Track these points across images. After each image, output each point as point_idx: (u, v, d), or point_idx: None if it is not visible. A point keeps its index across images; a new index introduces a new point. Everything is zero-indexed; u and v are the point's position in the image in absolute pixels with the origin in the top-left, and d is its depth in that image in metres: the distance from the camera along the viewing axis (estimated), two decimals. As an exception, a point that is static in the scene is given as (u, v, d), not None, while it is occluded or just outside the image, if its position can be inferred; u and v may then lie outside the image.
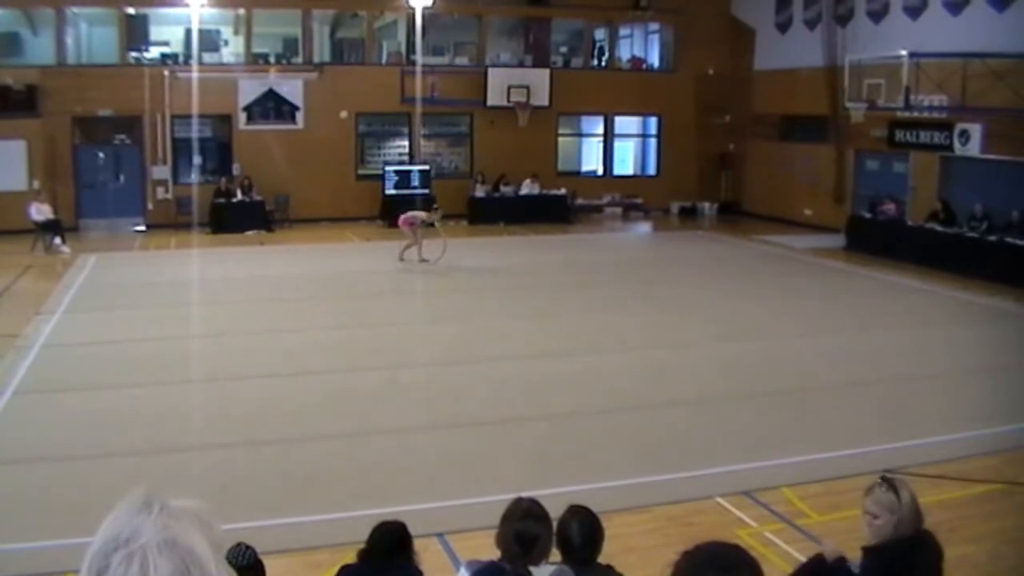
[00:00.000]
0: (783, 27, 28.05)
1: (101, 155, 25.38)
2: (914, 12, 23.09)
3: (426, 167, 26.85)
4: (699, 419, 10.73)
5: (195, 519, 1.54)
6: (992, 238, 19.45)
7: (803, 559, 7.03)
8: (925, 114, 21.85)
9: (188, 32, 25.59)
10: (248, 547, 4.64)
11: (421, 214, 20.60)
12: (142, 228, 25.04)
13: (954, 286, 18.55)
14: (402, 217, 20.38)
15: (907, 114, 22.02)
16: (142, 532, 1.47)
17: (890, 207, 22.97)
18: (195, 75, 24.73)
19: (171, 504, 1.54)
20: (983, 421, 10.55)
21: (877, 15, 24.32)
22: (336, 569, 5.09)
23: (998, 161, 20.67)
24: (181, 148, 25.72)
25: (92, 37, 26.72)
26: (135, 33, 25.79)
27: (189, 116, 24.89)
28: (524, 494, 4.32)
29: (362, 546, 4.89)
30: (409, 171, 26.62)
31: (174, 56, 25.91)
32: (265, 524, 7.42)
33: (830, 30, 25.45)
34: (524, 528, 3.90)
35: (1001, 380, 12.43)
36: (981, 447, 9.78)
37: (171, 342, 13.70)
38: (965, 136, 21.29)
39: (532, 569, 3.87)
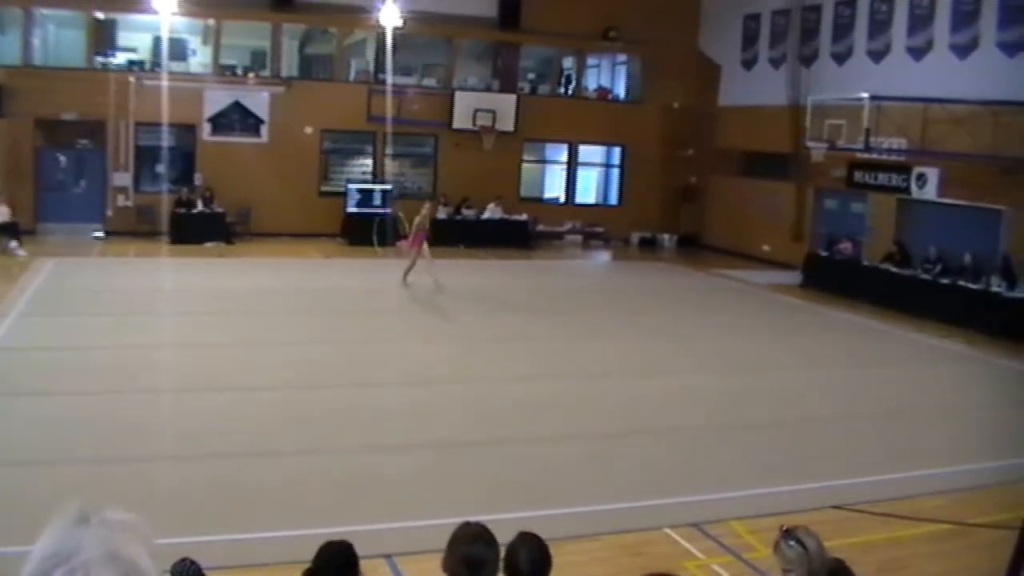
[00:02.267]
0: (748, 64, 28.39)
1: (63, 159, 25.16)
2: (877, 56, 23.45)
3: (388, 187, 26.81)
4: (652, 450, 10.76)
5: (134, 532, 1.52)
6: (945, 281, 19.73)
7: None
8: (884, 156, 22.16)
9: (157, 40, 25.42)
10: (192, 562, 4.59)
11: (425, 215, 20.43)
12: (101, 234, 24.80)
13: (907, 326, 18.77)
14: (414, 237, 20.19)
15: (867, 155, 22.33)
16: (83, 546, 1.45)
17: (847, 246, 23.24)
18: (162, 83, 24.57)
19: (109, 517, 1.52)
20: (933, 461, 10.68)
21: (841, 57, 24.67)
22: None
23: (953, 205, 20.98)
24: (144, 156, 25.56)
25: (60, 39, 26.50)
26: (103, 38, 25.65)
27: (154, 124, 24.73)
28: (475, 519, 4.31)
29: (308, 566, 4.85)
30: (372, 190, 26.55)
31: (141, 63, 25.73)
32: (213, 539, 7.35)
33: (794, 70, 25.78)
34: (472, 552, 3.88)
35: (951, 421, 12.59)
36: (931, 486, 9.89)
37: (126, 351, 13.57)
38: (922, 179, 21.58)
39: (479, 594, 3.84)
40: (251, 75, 26.67)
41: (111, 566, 1.44)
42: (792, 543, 4.53)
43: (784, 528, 4.67)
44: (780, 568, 4.58)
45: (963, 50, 20.97)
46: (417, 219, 20.23)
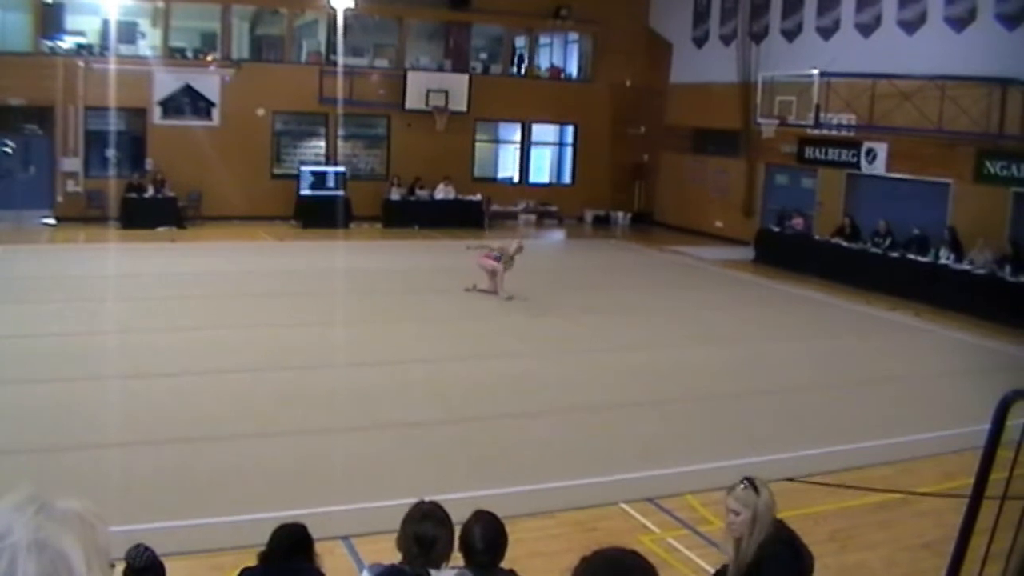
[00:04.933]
0: (699, 42, 28.50)
1: (10, 144, 24.78)
2: (826, 32, 23.66)
3: (342, 169, 26.74)
4: (605, 426, 10.85)
5: (77, 521, 1.54)
6: (894, 254, 20.01)
7: (705, 565, 7.21)
8: (834, 132, 22.38)
9: (105, 23, 25.12)
10: (147, 548, 4.60)
11: (509, 248, 18.14)
12: (51, 221, 24.48)
13: (857, 300, 19.03)
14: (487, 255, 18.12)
15: (816, 131, 22.53)
16: (14, 530, 1.48)
17: (798, 221, 23.46)
18: (111, 67, 24.28)
19: (54, 505, 1.54)
20: (881, 431, 10.87)
21: (791, 34, 24.85)
22: (237, 572, 5.06)
23: (901, 179, 21.27)
24: (93, 141, 25.24)
25: (5, 23, 25.96)
26: (50, 21, 25.23)
27: (103, 108, 24.44)
28: (429, 498, 4.36)
29: (263, 549, 4.88)
30: (325, 172, 26.48)
31: (89, 47, 25.37)
32: (168, 525, 7.36)
33: (745, 47, 25.93)
34: (423, 530, 3.94)
35: (898, 392, 12.81)
36: (878, 456, 10.07)
37: (76, 338, 13.44)
38: (871, 154, 21.86)
39: (432, 572, 3.90)
40: (201, 57, 26.40)
41: (37, 554, 1.46)
42: (745, 485, 4.63)
43: (745, 477, 4.78)
44: (728, 511, 4.66)
45: (911, 26, 21.22)
46: (500, 244, 18.59)
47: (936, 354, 15.44)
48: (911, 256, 19.64)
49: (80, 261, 20.02)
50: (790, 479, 9.23)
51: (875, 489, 9.14)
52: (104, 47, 25.08)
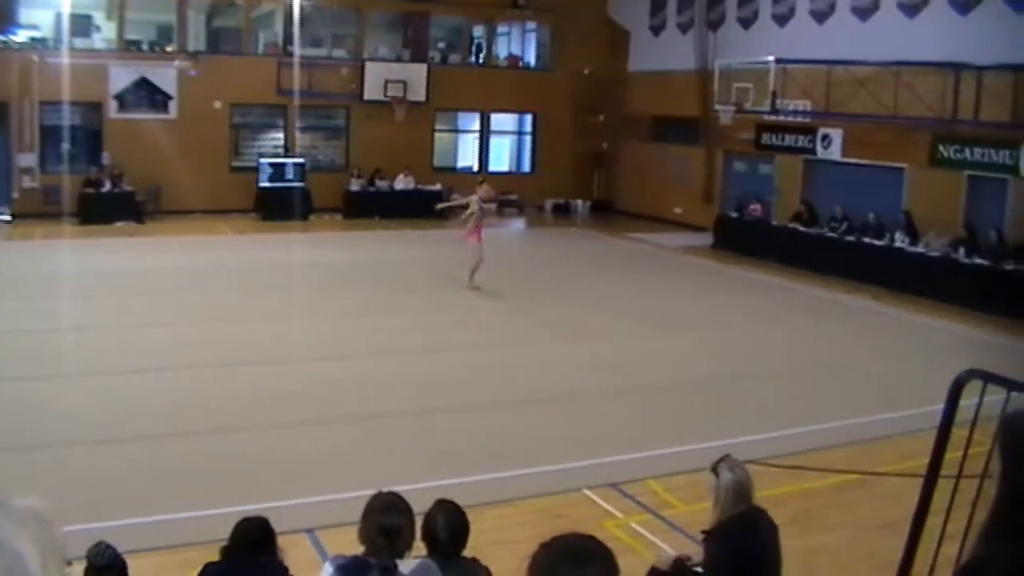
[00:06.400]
0: (657, 30, 28.60)
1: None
2: (782, 20, 23.83)
3: (301, 160, 26.61)
4: (567, 415, 10.93)
5: (32, 520, 1.54)
6: (850, 238, 20.24)
7: (669, 549, 7.28)
8: (790, 118, 22.56)
9: (59, 16, 24.80)
10: (108, 546, 4.59)
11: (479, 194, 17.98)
12: (7, 218, 24.17)
13: (815, 284, 19.23)
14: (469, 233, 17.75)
15: (773, 118, 22.71)
16: None
17: (756, 208, 23.65)
18: (65, 60, 23.98)
19: (9, 504, 1.54)
20: (840, 413, 11.02)
21: (747, 21, 25.00)
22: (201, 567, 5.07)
23: (857, 164, 21.48)
24: (49, 136, 24.90)
25: (-44, 18, 25.67)
26: (3, 15, 24.85)
27: (58, 103, 24.13)
28: (393, 488, 4.38)
29: (225, 543, 4.89)
30: (284, 164, 26.35)
31: (44, 40, 25.04)
32: (133, 522, 7.34)
33: (702, 34, 26.05)
34: (388, 521, 3.95)
35: (857, 374, 12.99)
36: (837, 438, 10.22)
37: (35, 335, 13.33)
38: (827, 140, 22.06)
39: (397, 563, 3.93)
40: (157, 50, 26.15)
41: None
42: (710, 471, 4.74)
43: (724, 455, 4.87)
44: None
45: (864, 12, 21.40)
46: (473, 205, 17.93)
47: (893, 336, 15.63)
48: (867, 240, 19.87)
49: (37, 258, 19.81)
50: (749, 462, 9.33)
51: (835, 470, 9.27)
52: (58, 40, 24.76)
